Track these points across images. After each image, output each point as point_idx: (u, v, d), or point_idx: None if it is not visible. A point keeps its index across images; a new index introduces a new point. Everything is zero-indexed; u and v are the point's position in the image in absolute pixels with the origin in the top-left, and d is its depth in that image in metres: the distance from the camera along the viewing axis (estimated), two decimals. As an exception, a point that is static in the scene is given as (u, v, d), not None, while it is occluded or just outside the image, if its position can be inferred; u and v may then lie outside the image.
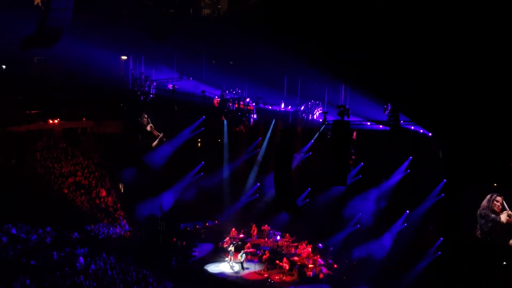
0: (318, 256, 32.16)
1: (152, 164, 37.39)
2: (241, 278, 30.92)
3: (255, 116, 34.44)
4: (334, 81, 30.58)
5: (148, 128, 36.84)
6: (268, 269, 31.50)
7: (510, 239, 25.43)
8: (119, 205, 36.83)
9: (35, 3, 35.44)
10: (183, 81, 37.03)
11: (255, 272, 31.42)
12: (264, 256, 32.03)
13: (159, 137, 36.89)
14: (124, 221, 35.47)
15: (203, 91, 34.75)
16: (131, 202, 36.88)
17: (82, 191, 36.12)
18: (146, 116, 36.89)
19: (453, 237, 28.07)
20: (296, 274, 30.91)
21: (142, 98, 37.75)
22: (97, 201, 35.98)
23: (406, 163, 31.50)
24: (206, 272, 31.54)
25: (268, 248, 33.25)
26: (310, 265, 31.14)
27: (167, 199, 36.95)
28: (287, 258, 31.59)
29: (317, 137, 32.90)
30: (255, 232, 35.34)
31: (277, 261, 31.64)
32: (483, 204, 25.82)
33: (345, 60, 25.21)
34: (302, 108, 32.94)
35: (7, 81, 36.95)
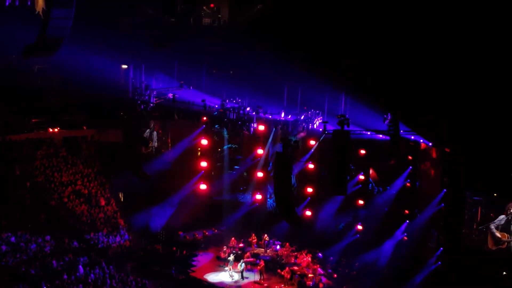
0: (318, 266, 32.07)
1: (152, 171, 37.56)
2: (241, 287, 30.84)
3: (255, 125, 34.44)
4: (334, 91, 30.63)
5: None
6: (264, 279, 31.41)
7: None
8: (119, 214, 36.76)
9: (36, 12, 35.48)
10: (183, 90, 37.07)
11: (254, 282, 31.35)
12: (259, 267, 31.86)
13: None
14: (124, 230, 35.37)
15: (203, 100, 34.75)
16: (130, 211, 36.87)
17: (82, 199, 36.07)
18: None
19: (456, 247, 28.12)
20: (296, 284, 30.81)
21: (142, 107, 37.83)
22: (97, 210, 35.92)
23: (406, 173, 31.56)
24: (206, 281, 31.45)
25: (266, 258, 33.14)
26: (310, 275, 31.03)
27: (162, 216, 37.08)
28: (288, 268, 31.53)
29: (317, 146, 32.93)
30: (255, 241, 35.24)
31: (279, 270, 31.58)
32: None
33: (345, 71, 25.29)
34: (302, 117, 32.94)
35: (7, 89, 36.96)
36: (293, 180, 35.19)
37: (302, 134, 32.43)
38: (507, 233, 26.21)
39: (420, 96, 23.82)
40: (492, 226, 26.58)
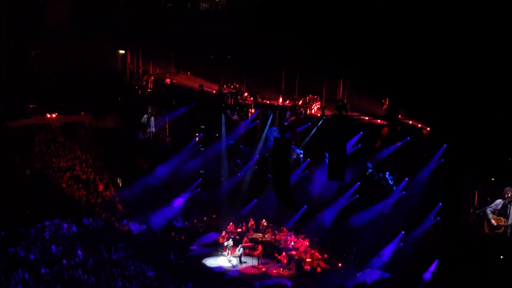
0: (316, 251, 32.21)
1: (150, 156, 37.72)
2: (239, 272, 31.02)
3: (253, 110, 34.46)
4: (332, 76, 30.61)
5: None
6: (262, 264, 31.60)
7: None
8: (117, 199, 36.83)
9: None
10: (180, 75, 37.08)
11: (252, 266, 31.51)
12: (257, 252, 32.02)
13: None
14: (123, 215, 35.46)
15: (201, 85, 34.71)
16: (128, 196, 36.93)
17: (80, 185, 36.13)
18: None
19: (453, 232, 28.20)
20: (293, 268, 30.98)
21: (139, 92, 37.88)
22: (95, 195, 35.99)
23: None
24: (204, 266, 31.61)
25: (264, 243, 33.27)
26: (307, 259, 31.20)
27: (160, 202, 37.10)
28: (286, 252, 31.67)
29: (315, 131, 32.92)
30: (253, 226, 35.35)
31: (276, 254, 31.73)
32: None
33: (344, 57, 25.17)
34: (300, 102, 32.94)
35: (4, 75, 36.91)
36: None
37: (293, 118, 32.43)
38: (503, 218, 26.28)
39: (418, 82, 23.81)
40: (489, 211, 26.62)
